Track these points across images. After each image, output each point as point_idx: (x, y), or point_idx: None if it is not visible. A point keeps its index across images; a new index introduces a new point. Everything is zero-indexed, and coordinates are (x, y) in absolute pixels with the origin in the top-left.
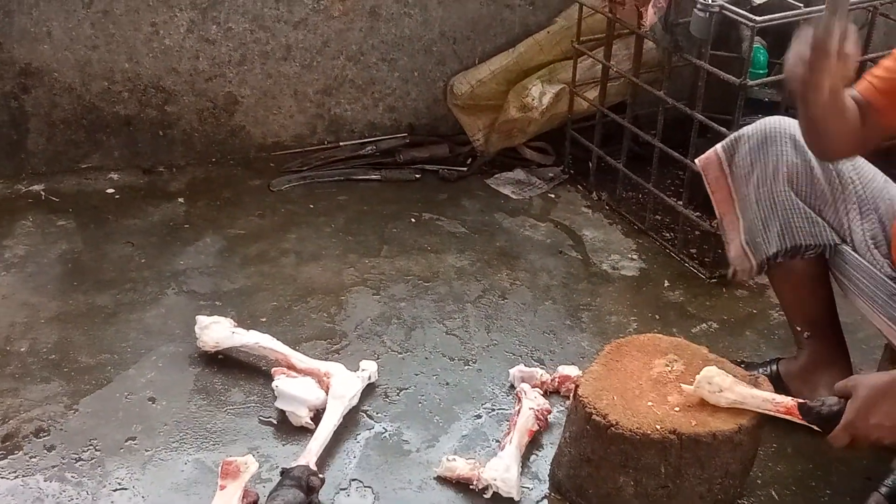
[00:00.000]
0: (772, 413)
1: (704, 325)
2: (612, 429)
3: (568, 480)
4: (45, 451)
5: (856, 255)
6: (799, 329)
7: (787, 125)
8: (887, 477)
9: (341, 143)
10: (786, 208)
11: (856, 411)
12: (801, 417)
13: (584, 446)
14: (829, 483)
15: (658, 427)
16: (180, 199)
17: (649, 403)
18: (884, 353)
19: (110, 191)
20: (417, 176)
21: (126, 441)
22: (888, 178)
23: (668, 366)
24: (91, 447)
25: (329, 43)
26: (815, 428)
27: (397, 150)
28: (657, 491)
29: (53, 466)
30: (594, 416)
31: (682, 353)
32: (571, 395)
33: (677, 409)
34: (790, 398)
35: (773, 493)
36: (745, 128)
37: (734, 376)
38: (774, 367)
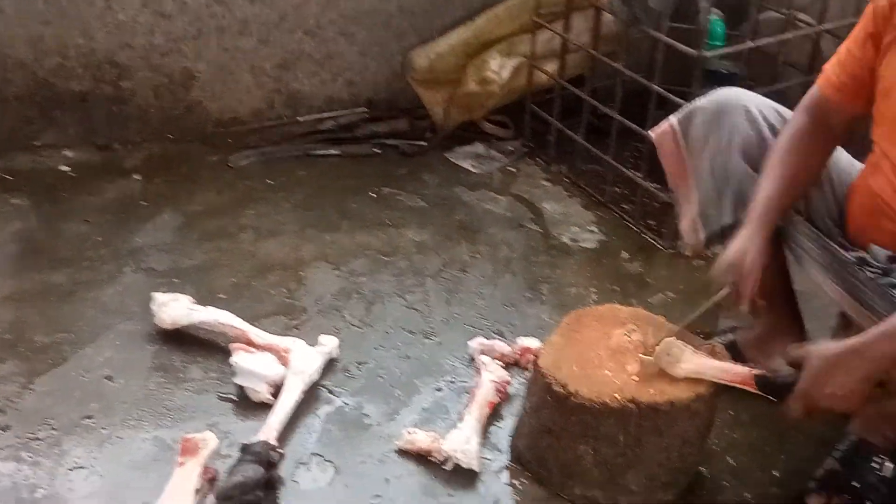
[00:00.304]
0: (728, 383)
1: (662, 295)
2: (572, 399)
3: (528, 451)
4: (1, 432)
5: (809, 226)
6: (754, 299)
7: (741, 97)
8: (840, 442)
9: (300, 118)
10: (740, 180)
11: (808, 381)
12: (756, 388)
13: (545, 417)
14: (784, 449)
15: (617, 396)
16: (137, 176)
17: (608, 373)
18: (837, 321)
19: (65, 168)
20: (377, 150)
21: (83, 419)
22: (841, 149)
23: (626, 335)
24: (47, 426)
25: (286, 17)
26: (771, 398)
27: (356, 125)
28: (617, 459)
29: (9, 446)
30: (554, 387)
31: (641, 322)
32: (531, 365)
33: (635, 378)
34: (746, 368)
35: (730, 459)
36: (698, 99)
37: (692, 346)
38: (731, 337)
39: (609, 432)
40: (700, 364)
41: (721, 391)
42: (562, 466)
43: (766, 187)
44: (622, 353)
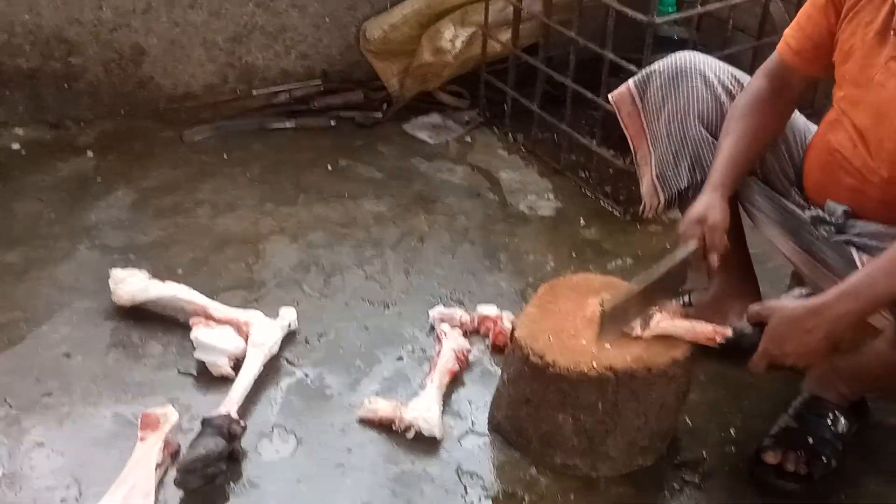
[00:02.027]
0: (693, 341)
1: (620, 260)
2: (550, 369)
3: (507, 422)
4: None
5: (764, 186)
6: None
7: (698, 61)
8: (795, 400)
9: (254, 92)
10: (696, 142)
11: (770, 340)
12: (718, 345)
13: (523, 387)
14: (741, 407)
15: (594, 365)
16: (89, 153)
17: (584, 342)
18: (790, 281)
19: (16, 146)
20: (332, 123)
21: (42, 397)
22: (797, 111)
23: (601, 305)
24: (6, 405)
25: None
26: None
27: (311, 98)
28: (595, 427)
29: None
30: (531, 358)
31: (615, 290)
32: (508, 337)
33: (610, 346)
34: (711, 326)
35: (688, 419)
36: (656, 62)
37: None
38: (687, 298)
39: (587, 400)
40: (666, 326)
41: (697, 354)
42: (541, 436)
43: (726, 149)
44: (597, 322)
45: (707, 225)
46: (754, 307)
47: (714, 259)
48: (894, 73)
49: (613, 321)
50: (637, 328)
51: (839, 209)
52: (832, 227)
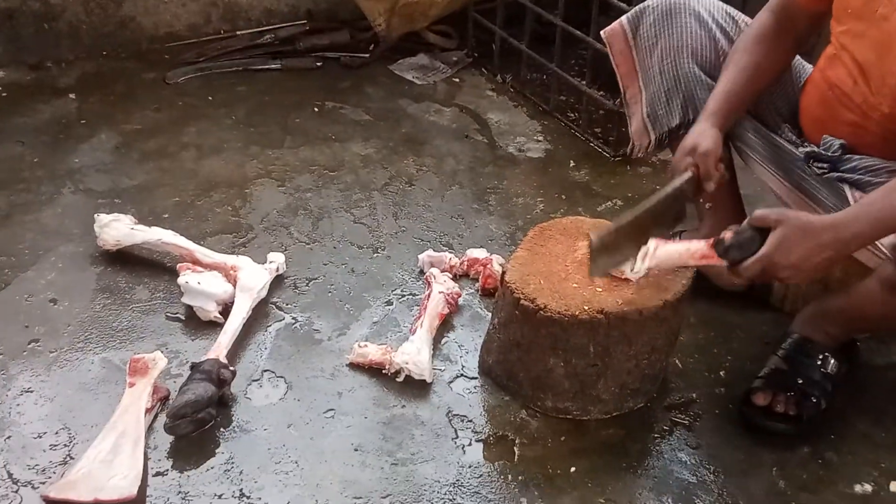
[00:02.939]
0: (692, 264)
1: (609, 202)
2: (541, 312)
3: (498, 366)
4: None
5: (756, 123)
6: (700, 201)
7: None
8: (784, 341)
9: (238, 32)
10: (689, 80)
11: (776, 245)
12: (717, 257)
13: (514, 331)
14: (730, 349)
15: (585, 308)
16: (71, 95)
17: (575, 285)
18: None
19: None
20: (318, 64)
21: (29, 344)
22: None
23: (589, 238)
24: None
25: None
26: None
27: (297, 38)
28: (587, 370)
29: None
30: (522, 301)
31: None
32: (499, 281)
33: (600, 289)
34: (703, 242)
35: (678, 362)
36: (648, 0)
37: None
38: (678, 240)
39: (579, 344)
40: (659, 255)
41: (688, 295)
42: (532, 380)
43: (724, 81)
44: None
45: (699, 153)
46: (761, 211)
47: (710, 186)
48: None
49: (602, 255)
50: (630, 268)
51: (836, 143)
52: (826, 164)
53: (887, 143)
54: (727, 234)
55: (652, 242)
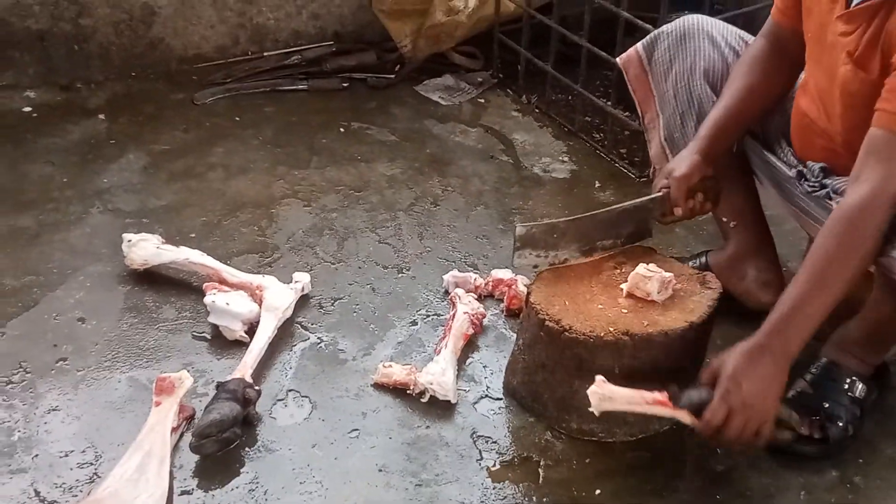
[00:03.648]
0: (645, 410)
1: None
2: (566, 333)
3: (522, 387)
4: None
5: (759, 148)
6: (724, 220)
7: (705, 22)
8: (812, 366)
9: (266, 54)
10: (702, 101)
11: (728, 381)
12: (672, 406)
13: (539, 352)
14: None
15: (611, 329)
16: (101, 116)
17: (600, 306)
18: (808, 244)
19: (27, 109)
20: (345, 85)
21: (57, 362)
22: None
23: (616, 268)
24: (21, 370)
25: None
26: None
27: (323, 59)
28: None
29: None
30: (547, 322)
31: (630, 254)
32: (523, 302)
33: (625, 310)
34: (657, 392)
35: None
36: (663, 26)
37: (663, 274)
38: (703, 260)
39: (604, 365)
40: (616, 397)
41: (713, 317)
42: (557, 401)
43: (718, 107)
44: (613, 286)
45: (672, 176)
46: (706, 370)
47: (678, 211)
48: (842, 32)
49: (527, 246)
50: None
51: (816, 167)
52: (815, 184)
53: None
54: (683, 390)
55: (598, 378)
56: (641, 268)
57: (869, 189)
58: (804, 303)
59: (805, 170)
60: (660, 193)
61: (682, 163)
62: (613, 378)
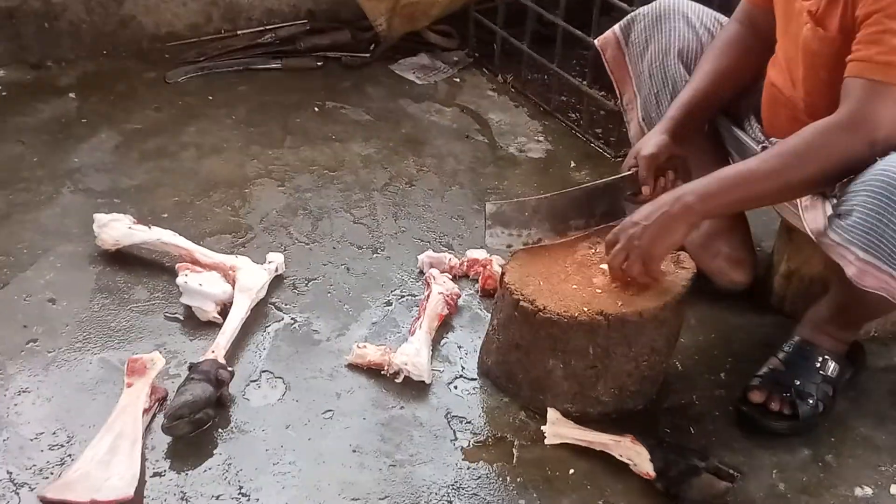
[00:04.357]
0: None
1: None
2: (541, 313)
3: (497, 367)
4: None
5: (731, 125)
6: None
7: (681, 4)
8: (786, 344)
9: (239, 32)
10: (676, 81)
11: (630, 220)
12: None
13: (513, 332)
14: (731, 351)
15: (585, 309)
16: (71, 95)
17: (575, 287)
18: (780, 224)
19: None
20: (319, 64)
21: (27, 343)
22: None
23: (591, 248)
24: None
25: None
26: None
27: (298, 38)
28: (586, 371)
29: None
30: (522, 302)
31: (604, 234)
32: (498, 282)
33: (600, 290)
34: (607, 435)
35: (678, 364)
36: (641, 7)
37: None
38: None
39: (578, 345)
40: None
41: (688, 298)
42: (532, 381)
43: (688, 88)
44: (587, 266)
45: (640, 155)
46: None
47: (646, 190)
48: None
49: (497, 224)
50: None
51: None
52: None
53: None
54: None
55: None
56: None
57: (846, 115)
58: (745, 179)
59: (768, 144)
60: (629, 172)
61: (649, 142)
62: (587, 359)
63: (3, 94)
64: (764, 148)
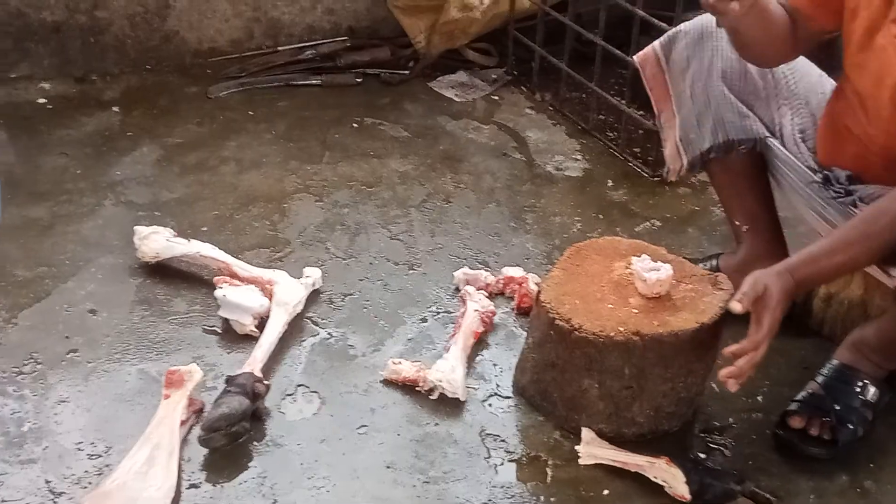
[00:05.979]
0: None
1: (647, 223)
2: (576, 333)
3: (532, 386)
4: None
5: (782, 149)
6: (737, 223)
7: None
8: (824, 368)
9: (280, 48)
10: (718, 103)
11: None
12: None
13: (548, 351)
14: (768, 374)
15: (621, 329)
16: (115, 108)
17: (611, 306)
18: None
19: (42, 101)
20: (359, 80)
21: (68, 353)
22: (823, 73)
23: (627, 268)
24: (32, 360)
25: None
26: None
27: (337, 54)
28: (621, 392)
29: None
30: (557, 321)
31: (641, 254)
32: (533, 301)
33: (636, 311)
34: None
35: (714, 385)
36: (682, 24)
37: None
38: (715, 262)
39: (613, 365)
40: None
41: (725, 319)
42: (566, 400)
43: None
44: (624, 285)
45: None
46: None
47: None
48: None
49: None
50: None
51: (842, 175)
52: (840, 191)
53: (889, 172)
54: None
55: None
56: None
57: None
58: (834, 251)
59: (831, 175)
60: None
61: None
62: (622, 379)
63: (49, 107)
64: (825, 177)
